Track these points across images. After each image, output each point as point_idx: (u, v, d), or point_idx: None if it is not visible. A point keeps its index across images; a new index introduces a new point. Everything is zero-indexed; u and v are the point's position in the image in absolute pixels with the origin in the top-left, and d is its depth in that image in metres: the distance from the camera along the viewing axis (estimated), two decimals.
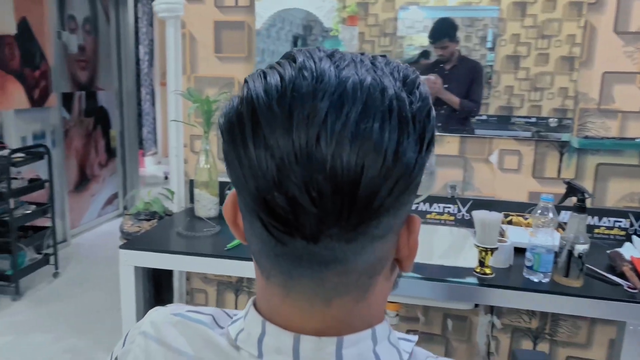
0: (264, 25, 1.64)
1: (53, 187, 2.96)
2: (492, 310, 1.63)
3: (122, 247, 1.39)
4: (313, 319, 0.38)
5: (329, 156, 0.32)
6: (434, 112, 0.38)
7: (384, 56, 0.41)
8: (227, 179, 1.60)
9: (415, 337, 0.46)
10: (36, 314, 2.48)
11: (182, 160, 1.77)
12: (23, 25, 3.08)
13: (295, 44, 1.65)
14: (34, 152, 2.83)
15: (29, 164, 2.80)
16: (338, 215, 0.33)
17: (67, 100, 3.64)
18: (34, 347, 2.19)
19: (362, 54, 0.39)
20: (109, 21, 4.15)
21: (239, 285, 1.85)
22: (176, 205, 1.80)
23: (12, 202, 2.54)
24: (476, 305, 1.47)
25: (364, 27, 1.58)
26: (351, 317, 0.39)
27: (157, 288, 1.78)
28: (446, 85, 1.61)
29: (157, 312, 0.47)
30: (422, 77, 0.40)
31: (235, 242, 1.41)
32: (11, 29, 2.96)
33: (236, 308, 1.87)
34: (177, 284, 1.86)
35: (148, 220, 1.64)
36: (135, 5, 4.97)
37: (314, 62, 0.35)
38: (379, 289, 0.40)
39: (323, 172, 0.32)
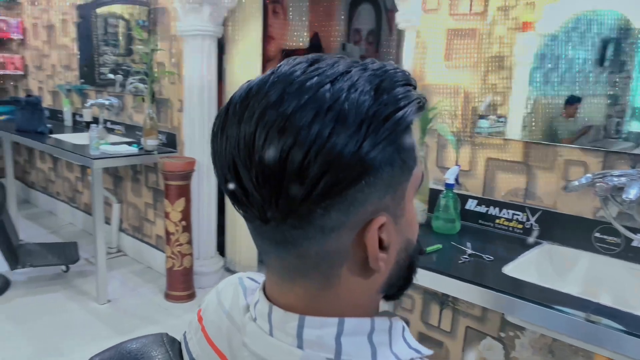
0: (557, 29, 1.54)
1: None
2: None
3: None
4: (283, 294, 0.46)
5: (261, 146, 0.39)
6: (400, 117, 0.40)
7: (386, 62, 0.45)
8: (440, 187, 1.65)
9: (429, 352, 0.47)
10: None
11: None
12: (314, 40, 3.72)
13: (604, 49, 1.50)
14: None
15: None
16: (270, 200, 0.40)
17: None
18: None
19: (357, 61, 0.44)
20: (391, 32, 4.58)
21: (444, 299, 1.87)
22: None
23: None
24: None
25: None
26: (317, 302, 0.44)
27: None
28: None
29: (236, 274, 0.61)
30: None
31: (427, 249, 1.46)
32: (305, 43, 3.63)
33: (439, 322, 1.89)
34: None
35: None
36: None
37: (285, 67, 0.42)
38: (347, 282, 0.44)
39: (259, 160, 0.39)
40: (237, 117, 0.41)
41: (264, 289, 0.48)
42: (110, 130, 3.42)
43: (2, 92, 4.55)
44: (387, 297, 0.50)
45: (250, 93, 0.42)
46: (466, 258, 1.40)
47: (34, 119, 3.33)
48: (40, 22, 4.05)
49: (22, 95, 4.27)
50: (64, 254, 3.04)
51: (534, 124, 1.60)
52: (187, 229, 2.78)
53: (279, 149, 0.38)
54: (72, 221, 4.01)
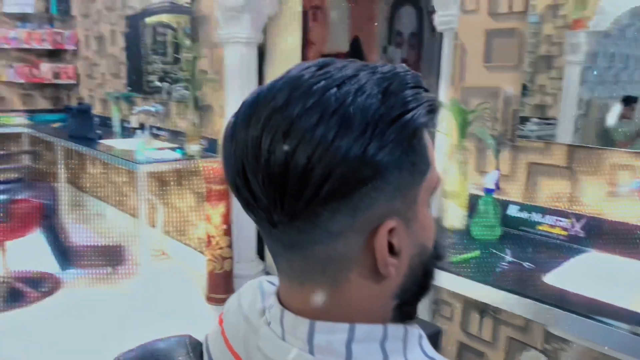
0: (611, 26, 1.46)
1: None
2: None
3: None
4: (293, 297, 0.46)
5: (266, 150, 0.39)
6: (408, 120, 0.40)
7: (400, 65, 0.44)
8: (480, 192, 1.62)
9: None
10: None
11: (441, 169, 1.87)
12: (355, 43, 3.72)
13: None
14: None
15: None
16: (276, 203, 0.40)
17: None
18: None
19: (367, 64, 0.44)
20: (434, 34, 4.51)
21: (484, 307, 1.82)
22: (433, 212, 1.92)
23: None
24: None
25: None
26: (326, 306, 0.44)
27: None
28: None
29: (258, 278, 0.61)
30: None
31: (465, 255, 1.43)
32: (345, 47, 3.64)
33: (480, 331, 1.84)
34: None
35: None
36: None
37: (294, 71, 0.43)
38: (357, 287, 0.44)
39: (265, 164, 0.39)
40: (245, 121, 0.42)
41: (278, 293, 0.49)
42: (156, 136, 3.53)
43: (56, 100, 4.79)
44: (404, 304, 0.49)
45: (259, 98, 0.42)
46: (505, 265, 1.36)
47: (85, 126, 3.49)
48: (92, 33, 4.24)
49: (74, 103, 4.48)
50: (111, 256, 3.16)
51: (586, 126, 1.53)
52: (228, 232, 2.83)
53: (283, 152, 0.39)
54: (120, 224, 4.17)
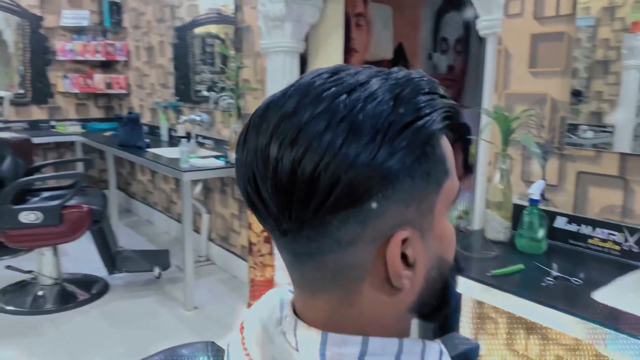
0: None
1: None
2: None
3: None
4: (306, 308, 0.45)
5: (274, 157, 0.39)
6: (420, 126, 0.39)
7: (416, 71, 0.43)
8: (524, 202, 1.55)
9: None
10: None
11: (485, 178, 1.81)
12: (399, 50, 3.69)
13: None
14: None
15: None
16: (284, 211, 0.40)
17: None
18: None
19: (382, 70, 0.43)
20: (481, 41, 4.42)
21: (531, 323, 1.74)
22: (476, 223, 1.86)
23: None
24: None
25: None
26: (338, 318, 0.43)
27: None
28: None
29: (281, 286, 0.61)
30: None
31: (505, 269, 1.37)
32: (389, 54, 3.61)
33: (526, 348, 1.77)
34: (466, 305, 1.91)
35: None
36: None
37: (307, 78, 0.42)
38: (370, 299, 0.43)
39: (273, 171, 0.39)
40: (255, 128, 0.42)
41: (293, 302, 0.48)
42: (201, 145, 3.62)
43: (109, 110, 5.00)
44: (424, 317, 0.48)
45: (270, 105, 0.42)
46: (550, 280, 1.30)
47: (134, 134, 3.62)
48: (142, 45, 4.41)
49: (125, 112, 4.66)
50: (157, 261, 3.25)
51: None
52: (269, 239, 2.85)
53: (290, 160, 0.38)
54: (167, 230, 4.29)
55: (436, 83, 0.43)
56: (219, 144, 3.43)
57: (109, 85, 4.66)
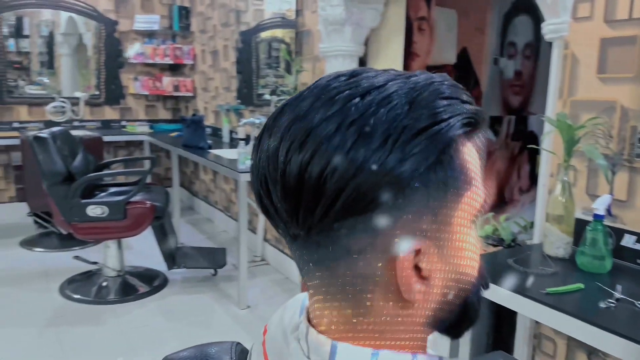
0: None
1: None
2: None
3: None
4: (318, 315, 0.44)
5: (283, 160, 0.39)
6: (436, 132, 0.38)
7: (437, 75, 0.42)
8: (588, 217, 1.46)
9: None
10: None
11: (546, 190, 1.72)
12: (463, 55, 3.60)
13: None
14: None
15: None
16: (292, 216, 0.39)
17: (495, 124, 3.98)
18: None
19: (402, 73, 0.41)
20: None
21: (592, 348, 1.63)
22: (536, 237, 1.77)
23: None
24: None
25: None
26: (349, 328, 0.42)
27: (498, 322, 1.80)
28: None
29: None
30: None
31: (563, 288, 1.29)
32: (452, 58, 3.53)
33: None
34: (522, 323, 1.82)
35: (495, 245, 1.70)
36: None
37: (323, 80, 0.42)
38: (382, 311, 0.41)
39: (281, 174, 0.39)
40: (269, 131, 0.41)
41: (308, 308, 0.48)
42: None
43: (176, 111, 5.21)
44: (448, 333, 0.46)
45: (285, 107, 0.42)
46: (612, 303, 1.21)
47: (197, 135, 3.75)
48: (207, 49, 4.56)
49: (190, 114, 4.84)
50: (214, 259, 3.35)
51: None
52: None
53: (298, 163, 0.38)
54: (225, 229, 4.40)
55: (459, 88, 0.41)
56: None
57: (176, 88, 4.86)
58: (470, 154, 0.41)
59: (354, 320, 0.42)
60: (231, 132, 4.11)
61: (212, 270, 3.34)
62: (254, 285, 3.26)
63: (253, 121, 3.63)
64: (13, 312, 2.80)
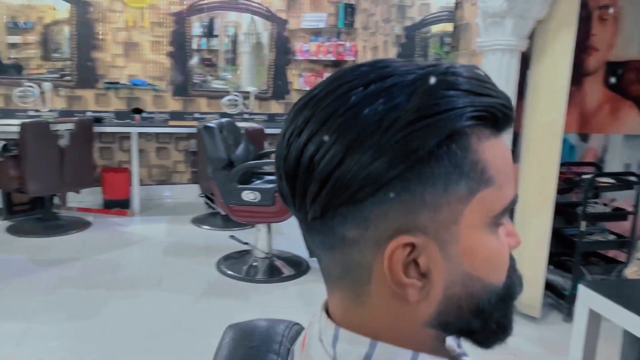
0: None
1: (637, 220, 2.92)
2: None
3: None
4: (329, 300, 0.46)
5: (286, 144, 0.41)
6: (430, 125, 0.36)
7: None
8: None
9: None
10: None
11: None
12: None
13: None
14: (622, 180, 2.90)
15: (616, 191, 2.90)
16: (292, 199, 0.41)
17: None
18: None
19: (419, 64, 0.40)
20: None
21: None
22: None
23: (583, 225, 2.76)
24: None
25: None
26: (350, 315, 0.43)
27: None
28: None
29: None
30: None
31: None
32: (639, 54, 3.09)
33: None
34: None
35: None
36: None
37: (342, 70, 0.42)
38: (379, 304, 0.41)
39: (284, 159, 0.41)
40: (288, 116, 0.43)
41: None
42: None
43: None
44: (473, 341, 0.43)
45: (306, 94, 0.43)
46: None
47: None
48: (368, 45, 4.66)
49: None
50: None
51: None
52: None
53: (295, 148, 0.39)
54: None
55: (481, 80, 0.38)
56: None
57: None
58: (487, 150, 0.38)
59: (355, 309, 0.42)
60: None
61: None
62: None
63: None
64: (176, 279, 3.23)
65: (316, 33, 5.12)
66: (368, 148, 0.36)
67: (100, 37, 4.70)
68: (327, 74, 5.03)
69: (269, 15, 5.06)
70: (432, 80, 0.37)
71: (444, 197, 0.38)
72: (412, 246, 0.38)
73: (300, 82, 5.17)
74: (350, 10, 4.96)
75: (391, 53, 4.14)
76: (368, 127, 0.36)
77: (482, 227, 0.39)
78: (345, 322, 0.42)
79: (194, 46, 5.13)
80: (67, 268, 3.34)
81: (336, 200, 0.38)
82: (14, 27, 4.90)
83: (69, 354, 2.32)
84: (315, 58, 5.06)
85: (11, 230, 3.95)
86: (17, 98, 4.37)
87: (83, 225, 4.16)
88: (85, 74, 4.69)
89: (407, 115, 0.36)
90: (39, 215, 4.19)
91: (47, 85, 4.38)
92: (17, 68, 4.93)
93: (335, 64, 5.24)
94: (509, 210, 0.42)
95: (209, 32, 5.29)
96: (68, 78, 4.72)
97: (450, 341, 0.47)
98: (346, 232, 0.39)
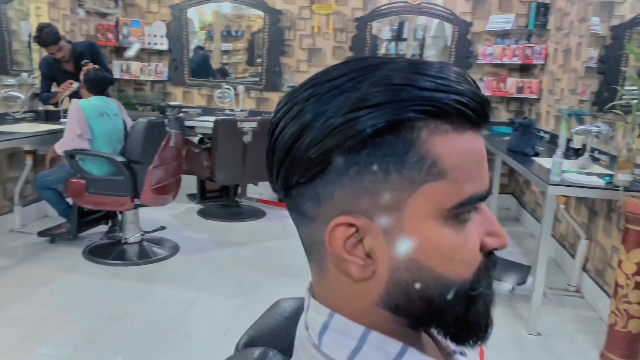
0: None
1: None
2: None
3: None
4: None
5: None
6: (364, 116, 0.39)
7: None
8: None
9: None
10: None
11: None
12: None
13: None
14: None
15: None
16: (271, 180, 0.48)
17: None
18: None
19: (408, 61, 0.43)
20: None
21: None
22: None
23: None
24: None
25: None
26: (318, 287, 0.49)
27: None
28: None
29: None
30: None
31: None
32: None
33: None
34: None
35: None
36: None
37: (340, 63, 0.46)
38: (335, 278, 0.45)
39: (269, 137, 0.47)
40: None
41: None
42: (596, 160, 3.30)
43: (519, 114, 5.10)
44: (451, 337, 0.46)
45: None
46: None
47: (524, 140, 3.63)
48: (560, 47, 4.29)
49: (533, 118, 4.66)
50: (514, 274, 3.22)
51: None
52: None
53: (270, 127, 0.46)
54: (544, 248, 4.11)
55: (442, 78, 0.40)
56: (615, 161, 3.04)
57: (520, 90, 4.76)
58: (445, 146, 0.40)
59: (321, 281, 0.47)
60: (568, 140, 3.78)
61: (509, 286, 3.22)
62: (557, 314, 3.00)
63: (588, 129, 3.28)
64: (266, 262, 3.55)
65: (502, 35, 4.89)
66: (315, 130, 0.41)
67: (288, 43, 5.19)
68: (510, 79, 4.79)
69: (451, 18, 5.00)
70: (388, 74, 0.41)
71: (385, 184, 0.40)
72: (355, 227, 0.42)
73: (482, 86, 4.98)
74: (543, 9, 4.62)
75: (584, 56, 3.75)
76: (320, 112, 0.41)
77: (433, 219, 0.41)
78: (317, 294, 0.48)
79: (383, 50, 5.29)
80: (238, 250, 3.81)
81: (291, 179, 0.44)
82: (227, 35, 5.71)
83: (220, 326, 2.67)
84: (499, 62, 4.83)
85: (201, 213, 4.62)
86: (217, 99, 5.10)
87: (259, 214, 4.66)
88: (273, 78, 5.22)
89: (352, 104, 0.40)
90: (224, 202, 4.82)
91: (240, 88, 5.02)
92: (222, 72, 5.73)
93: (522, 67, 4.93)
94: (472, 207, 0.43)
95: (398, 36, 5.41)
96: (257, 81, 5.32)
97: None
98: (306, 209, 0.44)
